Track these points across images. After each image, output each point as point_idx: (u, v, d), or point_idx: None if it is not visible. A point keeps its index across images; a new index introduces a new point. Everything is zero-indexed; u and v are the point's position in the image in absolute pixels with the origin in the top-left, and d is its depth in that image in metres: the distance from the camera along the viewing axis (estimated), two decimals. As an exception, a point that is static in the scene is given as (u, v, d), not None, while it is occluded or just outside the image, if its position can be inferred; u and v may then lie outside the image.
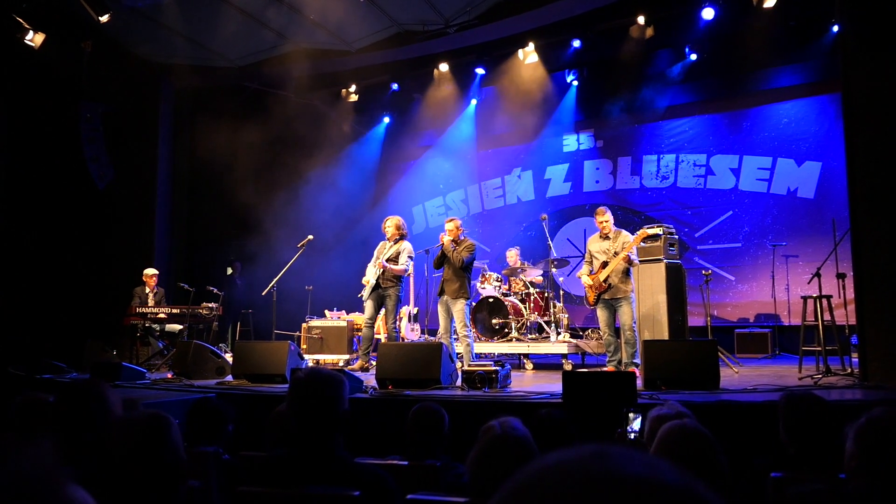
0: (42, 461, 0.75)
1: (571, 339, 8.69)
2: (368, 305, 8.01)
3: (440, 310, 7.67)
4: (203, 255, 12.18)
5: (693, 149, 11.29)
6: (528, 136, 12.56)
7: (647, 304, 7.84)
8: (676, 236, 8.39)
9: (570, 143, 12.36)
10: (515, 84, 11.50)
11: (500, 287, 9.38)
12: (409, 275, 9.87)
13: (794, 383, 5.98)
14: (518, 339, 8.73)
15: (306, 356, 8.55)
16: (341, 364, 9.01)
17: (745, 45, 9.90)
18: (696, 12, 9.68)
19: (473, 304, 8.88)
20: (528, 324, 8.98)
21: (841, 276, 6.79)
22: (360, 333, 9.13)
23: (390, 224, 8.11)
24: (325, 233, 10.73)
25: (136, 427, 1.76)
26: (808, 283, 7.07)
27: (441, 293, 7.64)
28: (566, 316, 9.29)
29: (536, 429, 2.89)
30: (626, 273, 7.17)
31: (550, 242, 8.97)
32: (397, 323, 9.60)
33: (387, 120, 13.31)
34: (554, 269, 9.41)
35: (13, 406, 2.69)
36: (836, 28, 8.43)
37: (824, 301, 6.77)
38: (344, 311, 10.05)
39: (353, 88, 12.12)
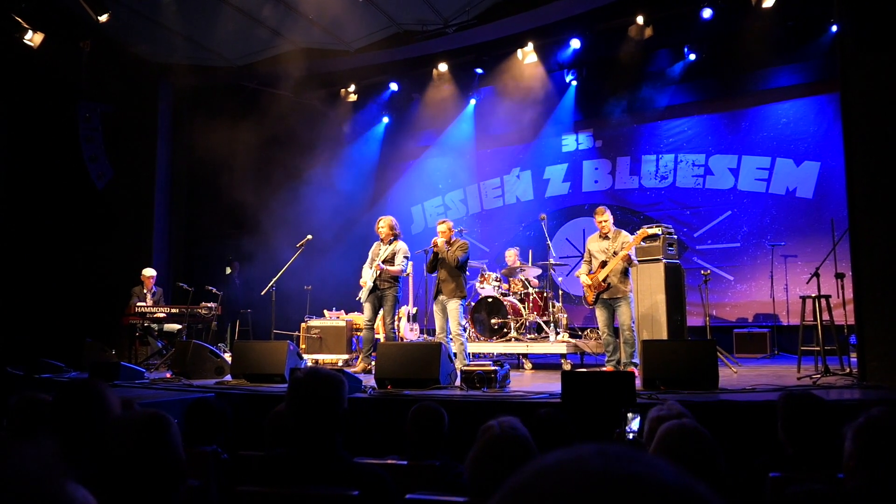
0: (43, 460, 0.76)
1: (570, 339, 8.70)
2: (367, 307, 8.01)
3: (436, 310, 7.70)
4: (202, 255, 12.19)
5: (692, 149, 11.29)
6: (527, 136, 12.56)
7: (645, 303, 7.84)
8: (675, 236, 8.39)
9: (569, 142, 12.36)
10: (514, 84, 11.50)
11: (499, 287, 9.39)
12: (407, 275, 9.88)
13: (792, 383, 5.98)
14: (517, 339, 8.73)
15: (305, 356, 8.54)
16: (340, 364, 9.01)
17: (743, 45, 9.91)
18: (695, 12, 9.69)
19: (472, 303, 8.89)
20: (527, 324, 8.98)
21: (840, 276, 6.79)
22: (359, 333, 9.13)
23: (384, 224, 8.08)
24: (324, 233, 10.73)
25: (135, 426, 1.76)
26: (807, 282, 7.07)
27: (438, 294, 7.65)
28: (565, 316, 9.29)
29: (535, 429, 2.89)
30: (625, 273, 7.18)
31: (549, 242, 8.97)
32: (396, 323, 9.61)
33: (386, 120, 13.31)
34: (553, 270, 9.41)
35: (10, 406, 2.69)
36: (834, 28, 8.43)
37: (823, 301, 6.78)
38: (343, 311, 10.05)
39: (351, 88, 12.12)
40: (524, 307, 9.04)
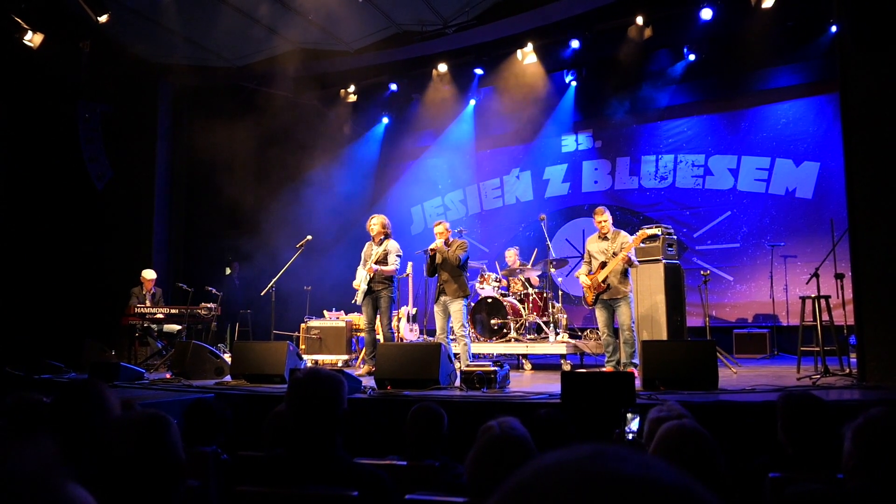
0: (42, 460, 0.76)
1: (570, 340, 8.70)
2: (365, 310, 7.96)
3: (437, 310, 7.66)
4: (201, 255, 12.19)
5: (691, 149, 11.29)
6: (526, 136, 12.57)
7: (645, 304, 7.84)
8: (675, 237, 8.39)
9: (569, 143, 12.36)
10: (514, 84, 11.50)
11: (498, 287, 9.39)
12: (407, 275, 9.88)
13: (792, 383, 5.99)
14: (517, 340, 8.73)
15: (305, 356, 8.54)
16: (340, 364, 9.01)
17: (743, 45, 9.92)
18: (695, 12, 9.69)
19: (472, 304, 8.88)
20: (527, 324, 8.98)
21: (839, 277, 6.79)
22: (358, 334, 9.14)
23: (376, 223, 8.02)
24: (323, 233, 10.73)
25: (134, 427, 1.76)
26: (807, 283, 7.07)
27: (440, 295, 7.62)
28: (565, 316, 9.29)
29: (535, 429, 2.89)
30: (625, 273, 7.18)
31: (549, 243, 8.97)
32: (397, 323, 9.61)
33: (385, 120, 13.31)
34: (552, 270, 9.41)
35: (5, 406, 2.68)
36: (834, 28, 8.43)
37: (823, 301, 6.78)
38: (342, 312, 10.05)
39: (351, 89, 12.12)
40: (524, 308, 9.04)
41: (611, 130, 11.99)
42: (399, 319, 9.62)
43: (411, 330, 9.91)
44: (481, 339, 8.82)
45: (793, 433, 2.85)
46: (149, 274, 9.97)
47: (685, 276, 8.42)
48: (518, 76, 11.35)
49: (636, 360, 6.80)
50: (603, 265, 7.16)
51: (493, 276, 9.49)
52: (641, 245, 7.70)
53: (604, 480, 0.56)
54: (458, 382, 6.06)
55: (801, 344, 7.05)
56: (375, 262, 7.82)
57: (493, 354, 8.82)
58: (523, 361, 8.71)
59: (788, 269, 10.03)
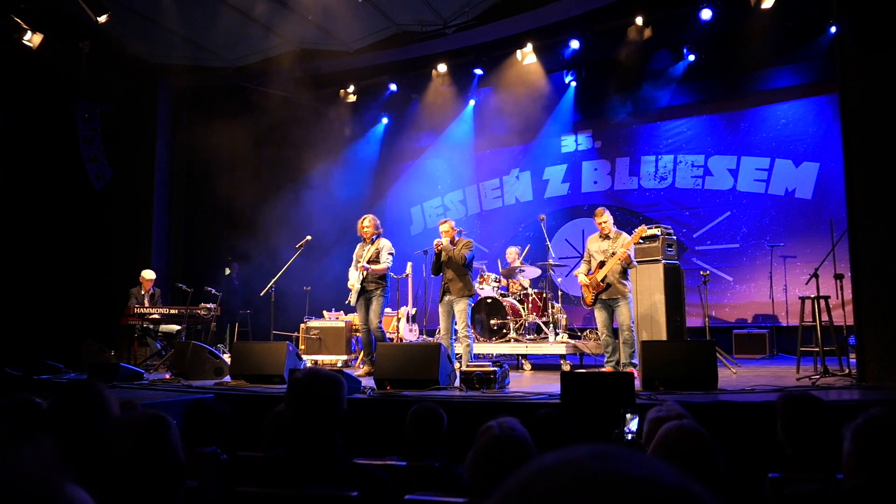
0: (42, 461, 0.76)
1: (570, 340, 8.70)
2: (360, 310, 7.94)
3: (442, 310, 7.64)
4: (201, 256, 12.18)
5: (691, 149, 11.30)
6: (526, 136, 12.57)
7: (645, 304, 7.84)
8: (674, 237, 8.39)
9: (569, 143, 12.37)
10: (513, 85, 11.51)
11: (498, 287, 9.39)
12: (406, 276, 9.88)
13: (792, 384, 5.99)
14: (516, 340, 8.73)
15: (304, 357, 8.54)
16: (339, 365, 9.01)
17: (742, 45, 9.92)
18: (695, 13, 9.70)
19: (472, 304, 8.88)
20: (527, 324, 8.98)
21: (839, 277, 6.80)
22: (358, 334, 9.12)
23: (368, 223, 8.00)
24: (323, 233, 10.73)
25: (134, 427, 1.76)
26: (806, 283, 7.08)
27: (445, 294, 7.61)
28: (564, 316, 9.29)
29: (535, 429, 2.89)
30: (624, 273, 7.17)
31: (549, 243, 8.97)
32: (396, 323, 9.61)
33: (385, 120, 13.32)
34: (552, 270, 9.41)
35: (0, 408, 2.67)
36: (833, 28, 8.44)
37: (822, 302, 6.78)
38: (342, 312, 10.05)
39: (351, 89, 12.12)
40: (523, 308, 9.04)
41: (610, 131, 12.00)
42: (398, 319, 9.62)
43: (411, 330, 9.91)
44: (481, 339, 8.82)
45: (792, 433, 2.85)
46: (148, 274, 9.96)
47: (685, 276, 8.43)
48: (518, 76, 11.35)
49: (635, 361, 6.80)
50: (602, 265, 7.17)
51: (493, 276, 9.49)
52: (641, 244, 7.70)
53: (603, 480, 0.56)
54: (457, 383, 6.06)
55: (800, 344, 7.05)
56: (368, 262, 7.80)
57: (492, 355, 8.82)
58: (523, 362, 8.71)
59: (788, 270, 10.04)
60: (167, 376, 7.43)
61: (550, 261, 9.10)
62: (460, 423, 4.08)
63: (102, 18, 9.00)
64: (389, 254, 7.93)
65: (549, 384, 6.21)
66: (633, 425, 3.44)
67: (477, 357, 7.89)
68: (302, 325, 9.63)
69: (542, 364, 9.17)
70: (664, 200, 11.41)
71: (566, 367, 7.96)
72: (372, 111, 13.09)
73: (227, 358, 7.63)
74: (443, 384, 6.00)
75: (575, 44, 10.59)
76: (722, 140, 11.10)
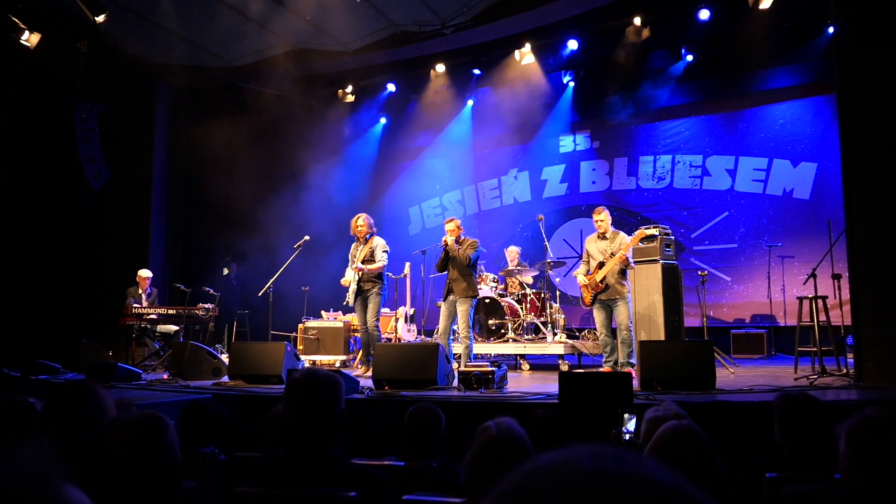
0: (38, 462, 0.76)
1: (568, 340, 8.70)
2: (358, 310, 7.95)
3: (444, 310, 7.63)
4: (199, 256, 12.17)
5: (689, 150, 11.31)
6: (524, 136, 12.57)
7: (643, 304, 7.84)
8: (672, 237, 8.39)
9: (567, 143, 12.37)
10: (512, 85, 11.50)
11: (496, 288, 9.39)
12: (404, 276, 9.87)
13: (789, 384, 6.00)
14: (514, 340, 8.73)
15: (303, 357, 8.54)
16: (337, 365, 9.00)
17: (740, 46, 9.92)
18: (693, 13, 9.70)
19: (474, 305, 8.88)
20: (525, 324, 8.98)
21: (836, 277, 6.81)
22: (356, 334, 9.12)
23: (362, 222, 7.99)
24: (321, 234, 10.72)
25: (132, 428, 1.76)
26: (804, 283, 7.09)
27: (448, 294, 7.59)
28: (562, 317, 9.29)
29: (533, 429, 2.89)
30: (623, 273, 7.18)
31: (547, 243, 8.97)
32: (394, 323, 9.60)
33: (383, 120, 13.32)
34: (550, 270, 9.41)
35: None
36: (831, 29, 8.45)
37: (820, 302, 6.79)
38: (340, 312, 10.05)
39: (349, 89, 12.11)
40: (522, 308, 9.04)
41: (608, 131, 12.00)
42: (397, 320, 9.62)
43: (409, 330, 9.91)
44: (479, 339, 8.82)
45: (790, 433, 2.85)
46: (144, 272, 9.95)
47: (683, 276, 8.42)
48: (516, 76, 11.34)
49: (633, 361, 6.81)
50: (601, 265, 7.17)
51: (491, 276, 9.49)
52: (640, 245, 7.71)
53: (597, 481, 0.56)
54: (455, 383, 6.06)
55: (798, 344, 7.06)
56: (363, 261, 7.79)
57: (490, 355, 8.82)
58: (521, 362, 8.71)
59: (786, 270, 10.04)
60: (165, 376, 7.43)
61: (549, 261, 9.11)
62: (458, 423, 4.09)
63: (100, 18, 8.99)
64: (384, 252, 7.92)
65: (548, 384, 6.21)
66: (631, 425, 3.44)
67: (475, 357, 7.90)
68: (300, 326, 9.63)
69: (541, 364, 9.18)
70: (662, 200, 11.41)
71: (564, 367, 7.97)
72: (370, 111, 13.08)
73: (225, 358, 7.63)
74: (441, 384, 6.00)
75: (573, 44, 10.59)
76: (720, 140, 11.11)
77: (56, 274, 10.98)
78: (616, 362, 7.14)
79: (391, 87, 12.27)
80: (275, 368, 6.64)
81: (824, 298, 6.83)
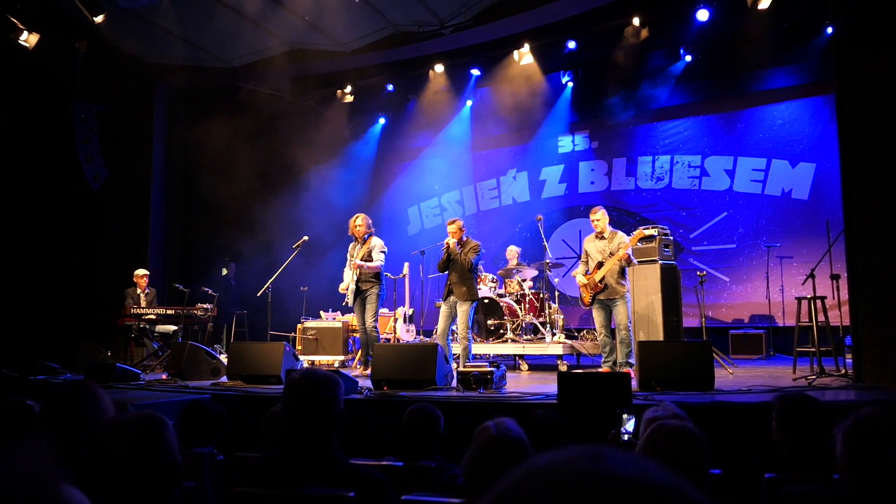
0: (37, 462, 0.76)
1: (566, 340, 8.70)
2: (357, 310, 7.93)
3: (443, 311, 7.60)
4: (198, 256, 12.16)
5: (688, 150, 11.31)
6: (523, 137, 12.58)
7: (641, 304, 7.84)
8: (671, 237, 8.40)
9: (566, 144, 12.37)
10: (510, 85, 11.51)
11: (495, 288, 9.39)
12: (403, 276, 9.87)
13: (788, 384, 6.00)
14: (513, 340, 8.73)
15: (301, 357, 8.54)
16: (336, 365, 9.00)
17: (739, 46, 9.93)
18: (691, 14, 9.70)
19: (474, 307, 8.87)
20: (524, 325, 8.98)
21: (835, 278, 6.81)
22: (355, 334, 9.12)
23: (361, 222, 7.96)
24: (320, 234, 10.72)
25: (130, 428, 1.75)
26: (803, 284, 7.09)
27: (448, 295, 7.58)
28: (561, 317, 9.29)
29: (532, 430, 2.89)
30: (622, 273, 7.19)
31: (546, 243, 8.97)
32: (393, 324, 9.60)
33: (382, 121, 13.32)
34: (549, 271, 9.42)
35: None
36: (829, 30, 8.46)
37: (818, 302, 6.80)
38: (339, 312, 10.04)
39: (348, 89, 12.10)
40: (520, 308, 9.04)
41: (607, 131, 12.01)
42: (395, 320, 9.62)
43: (408, 330, 9.91)
44: (478, 339, 8.81)
45: (789, 434, 2.85)
46: (141, 272, 9.94)
47: (681, 276, 8.42)
48: (515, 77, 11.34)
49: (632, 361, 6.81)
50: (600, 265, 7.17)
51: (490, 276, 9.49)
52: (638, 245, 7.71)
53: (595, 481, 0.56)
54: (454, 383, 6.06)
55: (796, 345, 7.06)
56: (361, 260, 7.78)
57: (489, 355, 8.82)
58: (520, 362, 8.72)
59: (784, 270, 10.05)
60: (164, 377, 7.43)
61: (547, 261, 9.11)
62: (457, 423, 4.09)
63: (99, 19, 8.99)
64: (382, 252, 7.90)
65: (546, 384, 6.21)
66: (630, 426, 3.44)
67: (474, 357, 7.90)
68: (299, 326, 9.62)
69: (539, 364, 9.18)
70: (661, 201, 11.42)
71: (563, 368, 7.97)
72: (369, 111, 13.09)
73: (223, 358, 7.63)
74: (440, 385, 6.00)
75: (572, 44, 10.58)
76: (719, 140, 11.11)
77: (55, 274, 10.97)
78: (615, 362, 7.14)
79: (390, 88, 12.26)
80: (273, 369, 6.64)
81: (823, 299, 6.83)
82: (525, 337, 8.93)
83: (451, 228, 7.61)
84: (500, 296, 9.20)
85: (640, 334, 7.64)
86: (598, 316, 7.27)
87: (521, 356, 8.70)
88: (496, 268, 10.27)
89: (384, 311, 9.25)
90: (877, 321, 5.68)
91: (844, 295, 6.36)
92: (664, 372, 5.60)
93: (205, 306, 9.28)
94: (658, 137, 11.57)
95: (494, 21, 10.03)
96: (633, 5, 9.79)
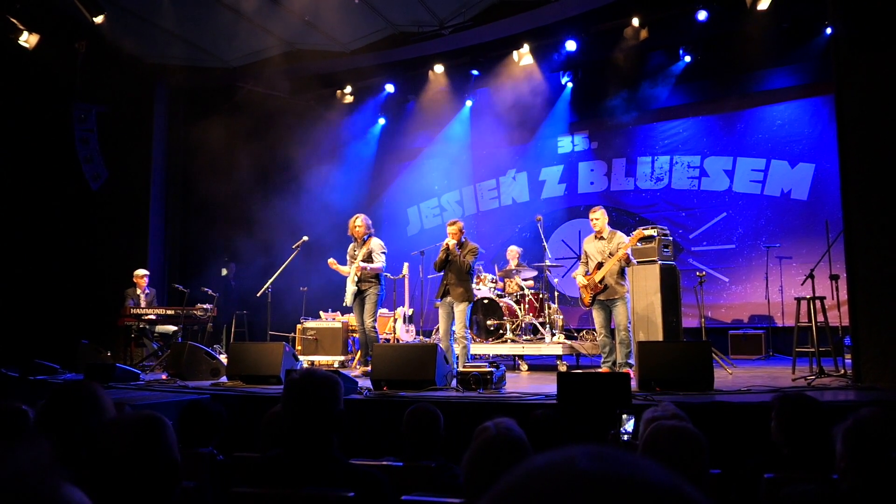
0: (39, 462, 0.76)
1: (566, 341, 8.70)
2: (356, 311, 7.94)
3: (442, 312, 7.62)
4: (197, 256, 12.16)
5: (687, 150, 11.31)
6: (522, 137, 12.57)
7: (641, 305, 7.84)
8: (671, 238, 8.39)
9: (565, 144, 12.38)
10: (510, 85, 11.50)
11: (494, 288, 9.39)
12: (403, 276, 9.87)
13: (787, 384, 6.00)
14: (513, 341, 8.73)
15: (301, 357, 8.54)
16: (336, 365, 9.00)
17: (738, 47, 9.94)
18: (691, 14, 9.71)
19: (471, 306, 8.87)
20: (523, 325, 8.98)
21: (834, 278, 6.82)
22: (354, 335, 9.12)
23: (360, 222, 7.97)
24: (320, 234, 10.71)
25: (130, 428, 1.76)
26: (802, 284, 7.10)
27: (443, 296, 7.59)
28: (561, 317, 9.29)
29: (531, 430, 2.90)
30: (622, 274, 7.19)
31: (545, 244, 8.97)
32: (392, 324, 9.60)
33: (382, 121, 13.31)
34: (548, 271, 9.42)
35: None
36: (829, 30, 8.46)
37: (818, 302, 6.80)
38: (339, 313, 10.04)
39: (348, 90, 12.11)
40: (520, 308, 9.04)
41: (607, 132, 12.01)
42: (395, 320, 9.62)
43: (407, 331, 9.91)
44: (477, 339, 8.82)
45: (788, 434, 2.85)
46: (141, 272, 9.93)
47: (681, 277, 8.42)
48: (514, 77, 11.35)
49: (632, 361, 6.81)
50: (600, 265, 7.18)
51: (490, 276, 9.49)
52: (638, 246, 7.71)
53: (592, 481, 0.56)
54: (454, 383, 6.06)
55: (796, 345, 7.06)
56: (362, 261, 7.78)
57: (489, 355, 8.82)
58: (519, 362, 8.72)
59: (784, 271, 10.05)
60: (164, 377, 7.42)
61: (547, 261, 9.11)
62: (457, 423, 4.09)
63: (99, 19, 8.99)
64: (382, 252, 7.92)
65: (546, 385, 6.21)
66: (630, 426, 3.44)
67: (474, 358, 7.90)
68: (298, 326, 9.62)
69: (539, 365, 9.18)
70: (660, 201, 11.42)
71: (563, 368, 7.97)
72: (369, 112, 13.08)
73: (223, 358, 7.63)
74: (439, 385, 6.00)
75: (571, 45, 10.59)
76: (718, 141, 11.12)
77: (54, 274, 10.97)
78: (614, 363, 7.15)
79: (390, 88, 12.26)
80: (273, 369, 6.64)
81: (822, 299, 6.83)
82: (524, 337, 8.93)
83: (451, 229, 7.63)
84: (500, 296, 9.20)
85: (639, 335, 7.64)
86: (597, 316, 7.28)
87: (521, 356, 8.70)
88: (497, 268, 10.26)
89: (384, 311, 9.25)
90: (876, 321, 5.68)
91: (844, 295, 6.36)
92: (664, 372, 5.60)
93: (204, 306, 9.27)
94: (657, 138, 11.57)
95: (494, 21, 10.03)
96: (633, 6, 9.79)
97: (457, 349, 7.50)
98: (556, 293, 9.92)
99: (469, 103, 12.60)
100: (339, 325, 9.41)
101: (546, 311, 8.91)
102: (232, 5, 9.60)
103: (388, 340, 9.24)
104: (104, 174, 11.43)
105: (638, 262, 7.76)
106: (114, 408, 2.40)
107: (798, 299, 7.13)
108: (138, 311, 9.36)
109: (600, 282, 7.14)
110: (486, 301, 8.95)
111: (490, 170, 13.05)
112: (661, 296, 7.72)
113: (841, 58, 6.12)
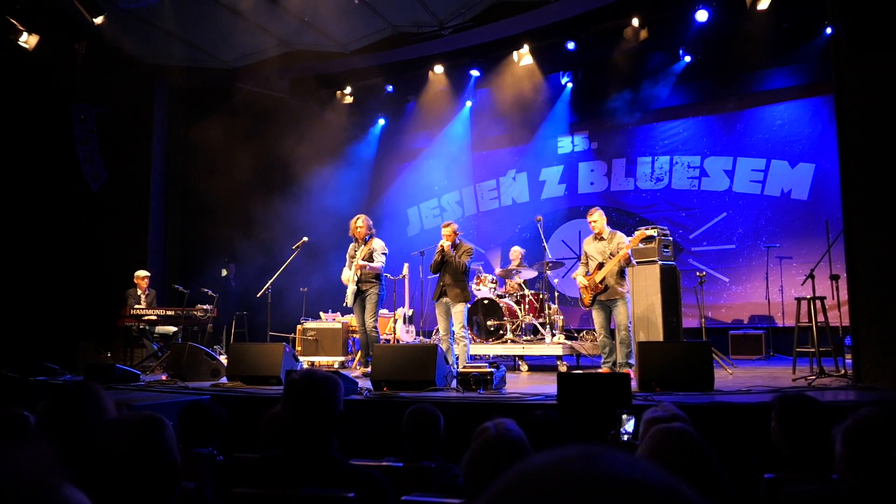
0: (39, 463, 0.76)
1: (566, 341, 8.70)
2: (357, 311, 7.94)
3: (440, 312, 7.63)
4: (197, 257, 12.16)
5: (687, 150, 11.32)
6: (522, 137, 12.58)
7: (641, 305, 7.85)
8: (671, 238, 8.40)
9: (565, 144, 12.38)
10: (510, 86, 11.51)
11: (494, 289, 9.39)
12: (403, 277, 9.87)
13: (788, 384, 6.00)
14: (513, 341, 8.73)
15: (301, 358, 8.54)
16: (336, 366, 9.00)
17: (738, 47, 9.94)
18: (690, 14, 9.71)
19: (468, 305, 8.88)
20: (523, 325, 8.98)
21: (834, 278, 6.82)
22: (354, 335, 9.12)
23: (361, 223, 7.97)
24: (320, 234, 10.71)
25: (130, 428, 1.76)
26: (802, 284, 7.10)
27: (440, 296, 7.60)
28: (561, 317, 9.29)
29: (531, 430, 2.89)
30: (622, 274, 7.19)
31: (545, 244, 8.97)
32: (393, 325, 9.60)
33: (382, 122, 13.32)
34: (549, 271, 9.42)
35: None
36: (828, 30, 8.46)
37: (818, 302, 6.80)
38: (339, 313, 10.04)
39: (347, 90, 12.10)
40: (520, 309, 9.04)
41: (607, 132, 12.01)
42: (395, 321, 9.62)
43: (407, 331, 9.91)
44: (477, 340, 8.82)
45: (788, 434, 2.85)
46: (142, 273, 9.93)
47: (681, 277, 8.43)
48: (514, 78, 11.35)
49: (632, 361, 6.81)
50: (600, 266, 7.18)
51: (490, 277, 9.49)
52: (638, 246, 7.71)
53: (591, 481, 0.56)
54: (454, 384, 6.06)
55: (796, 345, 7.06)
56: (363, 260, 7.78)
57: (489, 356, 8.82)
58: (520, 363, 8.72)
59: (784, 271, 10.05)
60: (164, 378, 7.42)
61: (547, 262, 9.11)
62: (457, 424, 4.08)
63: (98, 20, 8.99)
64: (383, 253, 7.92)
65: (546, 385, 6.21)
66: (630, 426, 3.44)
67: (474, 358, 7.90)
68: (299, 327, 9.62)
69: (539, 365, 9.18)
70: (660, 201, 11.42)
71: (563, 368, 7.97)
72: (369, 112, 13.09)
73: (223, 359, 7.63)
74: (439, 385, 6.00)
75: (571, 45, 10.59)
76: (718, 141, 11.12)
77: (54, 275, 10.97)
78: (614, 363, 7.15)
79: (389, 89, 12.26)
80: (273, 369, 6.63)
81: (822, 299, 6.83)
82: (525, 337, 8.93)
83: (445, 231, 7.69)
84: (500, 296, 9.20)
85: (639, 335, 7.64)
86: (597, 317, 7.28)
87: (521, 357, 8.70)
88: (498, 267, 10.26)
89: (384, 311, 9.25)
90: (876, 321, 5.68)
91: (844, 295, 6.36)
92: (664, 372, 5.60)
93: (204, 307, 9.27)
94: (657, 138, 11.58)
95: (494, 22, 10.03)
96: (633, 6, 9.79)
97: (457, 349, 7.51)
98: (556, 293, 9.92)
99: (469, 104, 12.61)
100: (339, 325, 9.41)
101: (546, 312, 8.92)
102: (231, 6, 9.60)
103: (388, 341, 9.24)
104: (104, 175, 11.43)
105: (638, 262, 7.76)
106: (115, 408, 2.40)
107: (798, 299, 7.13)
108: (138, 311, 9.35)
109: (601, 282, 7.14)
110: (486, 301, 8.95)
111: (490, 170, 13.05)
112: (661, 296, 7.72)
113: (841, 58, 6.12)
